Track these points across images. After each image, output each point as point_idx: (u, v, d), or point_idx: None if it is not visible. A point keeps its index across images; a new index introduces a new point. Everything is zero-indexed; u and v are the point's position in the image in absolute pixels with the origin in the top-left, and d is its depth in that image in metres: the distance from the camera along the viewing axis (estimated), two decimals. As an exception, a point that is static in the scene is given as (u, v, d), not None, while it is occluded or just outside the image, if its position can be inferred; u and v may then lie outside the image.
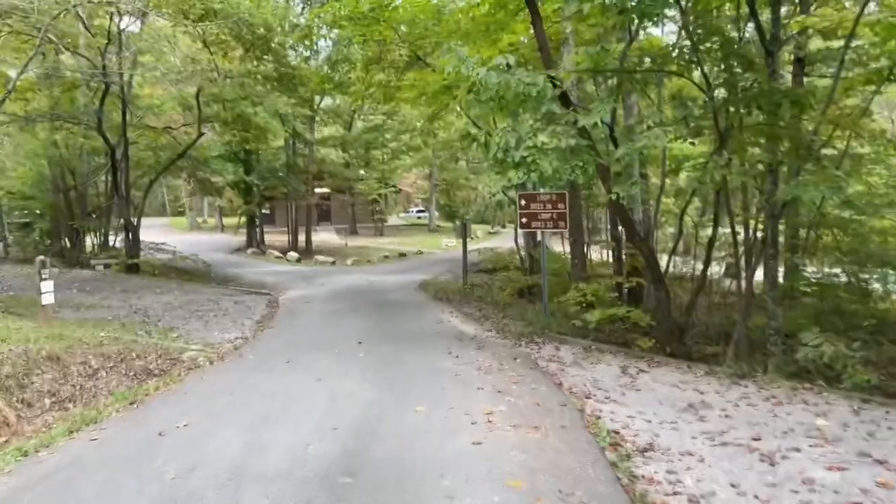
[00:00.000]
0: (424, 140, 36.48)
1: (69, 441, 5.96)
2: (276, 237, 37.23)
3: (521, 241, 20.71)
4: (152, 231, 42.73)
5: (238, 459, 5.15)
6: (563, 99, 8.93)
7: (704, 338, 11.43)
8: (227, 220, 42.86)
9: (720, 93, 8.83)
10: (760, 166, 9.12)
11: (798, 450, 5.21)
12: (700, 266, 20.30)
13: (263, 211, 43.77)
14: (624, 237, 14.58)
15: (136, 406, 7.20)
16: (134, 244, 20.82)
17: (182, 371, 9.22)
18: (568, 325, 11.38)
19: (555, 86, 8.39)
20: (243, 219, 34.92)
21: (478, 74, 7.89)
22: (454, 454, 5.13)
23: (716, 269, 21.38)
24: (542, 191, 12.69)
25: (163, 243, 24.06)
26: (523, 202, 12.56)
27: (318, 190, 38.44)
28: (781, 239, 13.83)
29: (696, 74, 9.36)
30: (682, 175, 16.35)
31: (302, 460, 5.07)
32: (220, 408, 6.79)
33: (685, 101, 7.91)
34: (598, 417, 6.17)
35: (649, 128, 7.72)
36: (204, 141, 28.06)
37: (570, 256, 16.96)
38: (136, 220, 21.72)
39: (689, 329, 11.20)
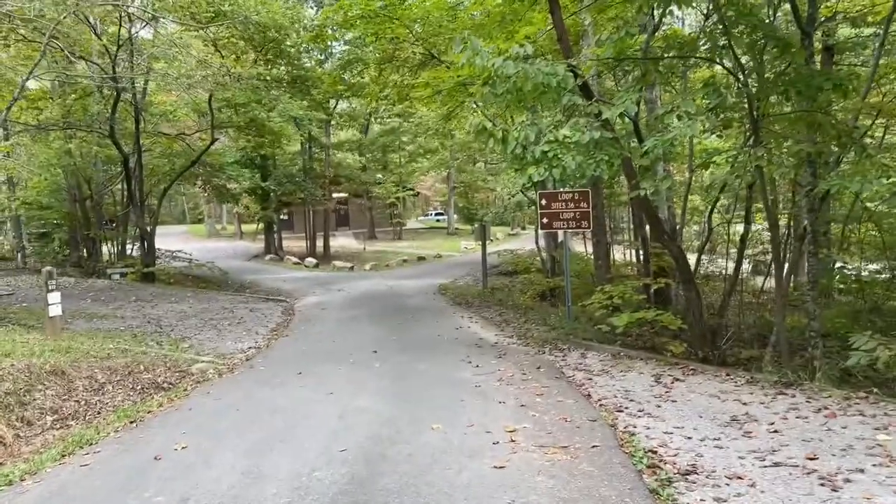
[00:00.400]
0: (441, 142, 36.00)
1: (59, 467, 5.50)
2: (294, 243, 36.94)
3: (541, 242, 20.12)
4: (171, 239, 42.68)
5: (235, 490, 4.65)
6: (585, 90, 8.36)
7: (738, 340, 10.80)
8: (245, 227, 42.67)
9: (752, 81, 8.24)
10: (792, 158, 8.50)
11: (861, 471, 4.59)
12: (728, 264, 19.59)
13: (282, 217, 43.63)
14: (649, 236, 13.99)
15: (135, 425, 6.74)
16: (149, 253, 20.52)
17: (190, 385, 8.78)
18: (593, 329, 10.78)
19: (576, 76, 7.83)
20: (261, 225, 34.67)
21: (493, 65, 7.35)
22: (474, 481, 4.58)
23: (744, 267, 20.67)
24: (563, 189, 12.13)
25: (179, 251, 23.75)
26: (544, 201, 11.99)
27: (335, 195, 38.11)
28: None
29: (725, 64, 8.79)
30: (708, 171, 15.72)
31: (305, 490, 4.55)
32: (223, 427, 6.31)
33: (718, 88, 7.28)
34: (633, 434, 5.59)
35: (679, 118, 7.11)
36: (219, 147, 27.83)
37: (592, 257, 16.35)
38: (151, 228, 21.41)
39: (720, 332, 10.57)
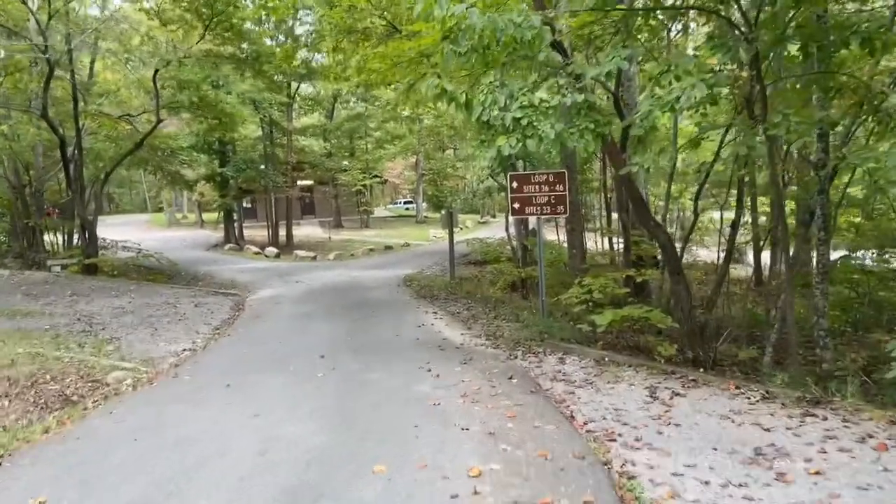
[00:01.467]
0: (409, 127, 34.43)
1: None
2: (257, 232, 35.16)
3: (512, 230, 18.79)
4: (129, 228, 40.63)
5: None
6: (561, 49, 6.97)
7: (728, 338, 9.57)
8: (208, 216, 40.69)
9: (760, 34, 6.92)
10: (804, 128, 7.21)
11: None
12: (704, 253, 18.39)
13: (245, 205, 41.76)
14: (631, 223, 12.74)
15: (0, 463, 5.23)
16: (91, 243, 18.75)
17: (96, 400, 7.28)
18: (571, 328, 9.46)
19: (553, 30, 6.42)
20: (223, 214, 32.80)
21: (456, 14, 5.92)
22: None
23: (712, 256, 19.63)
24: (536, 171, 10.76)
25: (127, 241, 21.96)
26: (515, 184, 10.60)
27: (300, 182, 36.38)
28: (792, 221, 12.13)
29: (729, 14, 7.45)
30: (681, 157, 14.50)
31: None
32: (108, 469, 4.83)
33: (727, 42, 5.93)
34: (633, 477, 4.25)
35: (678, 79, 5.75)
36: (171, 131, 26.00)
37: (567, 246, 15.06)
38: (93, 216, 19.63)
39: (710, 329, 9.36)
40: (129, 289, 16.58)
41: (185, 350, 10.17)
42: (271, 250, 27.43)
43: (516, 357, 8.24)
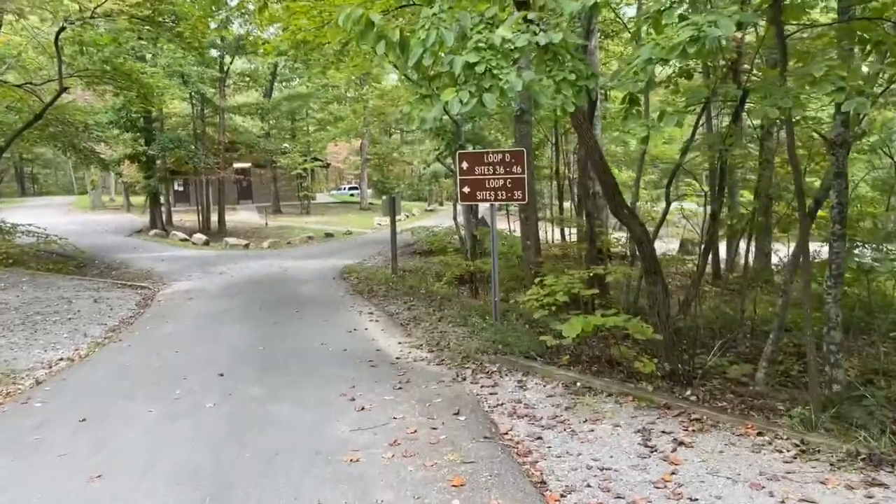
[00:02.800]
0: (354, 108, 32.36)
1: None
2: (189, 217, 32.59)
3: (460, 218, 17.14)
4: (49, 211, 37.36)
5: None
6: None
7: (703, 346, 8.12)
8: (137, 199, 37.74)
9: None
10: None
11: None
12: (660, 246, 17.07)
13: (176, 188, 38.97)
14: (588, 211, 11.22)
15: None
16: (-21, 227, 16.29)
17: None
18: (531, 338, 7.86)
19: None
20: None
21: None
22: None
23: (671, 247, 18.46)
24: (490, 150, 9.08)
25: (30, 225, 19.38)
26: (465, 165, 8.90)
27: (237, 165, 33.90)
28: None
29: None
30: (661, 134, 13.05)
31: None
32: None
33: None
34: None
35: (682, 18, 4.14)
36: (87, 104, 23.38)
37: (520, 237, 13.48)
38: None
39: (687, 335, 7.95)
40: (21, 280, 14.30)
41: (60, 360, 8.24)
42: (199, 237, 25.11)
43: (464, 378, 6.54)
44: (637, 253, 7.89)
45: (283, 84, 36.77)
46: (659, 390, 6.00)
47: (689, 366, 6.92)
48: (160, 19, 15.27)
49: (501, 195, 8.74)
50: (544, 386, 6.15)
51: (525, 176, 8.63)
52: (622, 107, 5.33)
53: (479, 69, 4.15)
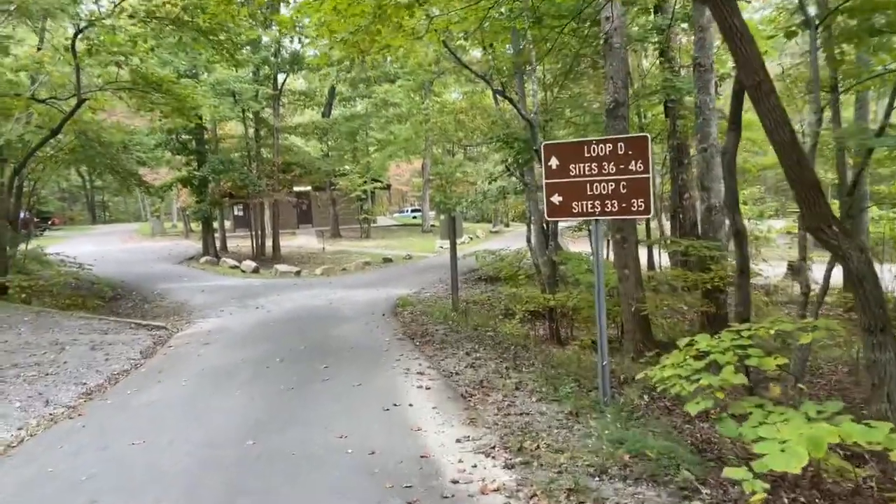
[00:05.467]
0: (415, 120, 29.61)
1: None
2: (246, 242, 30.41)
3: (534, 240, 14.02)
4: (110, 238, 36.09)
5: None
6: None
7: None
8: (198, 226, 36.07)
9: None
10: None
11: None
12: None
13: (236, 213, 37.20)
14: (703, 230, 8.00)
15: None
16: (-4, 257, 14.15)
17: None
18: (676, 437, 4.68)
19: None
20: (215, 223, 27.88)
21: None
22: None
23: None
24: (592, 139, 5.96)
25: (61, 254, 17.27)
26: (554, 162, 5.84)
27: (296, 188, 31.69)
28: None
29: None
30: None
31: None
32: None
33: None
34: None
35: None
36: (130, 125, 21.43)
37: (615, 263, 10.24)
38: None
39: None
40: (24, 319, 11.98)
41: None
42: (248, 264, 22.72)
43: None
44: (857, 296, 4.60)
45: (343, 104, 34.52)
46: None
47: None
48: (187, 18, 12.83)
49: (612, 206, 5.63)
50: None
51: (649, 176, 5.49)
52: None
53: None
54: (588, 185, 5.70)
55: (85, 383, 8.05)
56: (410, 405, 6.11)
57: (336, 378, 7.43)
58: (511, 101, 11.16)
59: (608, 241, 13.09)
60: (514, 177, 12.79)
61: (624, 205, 5.57)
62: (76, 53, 13.29)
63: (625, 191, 5.56)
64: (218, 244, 27.39)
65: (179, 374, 8.17)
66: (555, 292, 11.14)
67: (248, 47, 24.97)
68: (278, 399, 6.63)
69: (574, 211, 5.82)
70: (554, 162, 5.82)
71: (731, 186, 6.16)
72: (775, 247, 20.88)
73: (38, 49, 16.68)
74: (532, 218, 13.82)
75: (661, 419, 5.76)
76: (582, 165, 5.70)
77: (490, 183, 16.21)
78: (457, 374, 7.48)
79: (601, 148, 5.63)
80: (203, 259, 25.04)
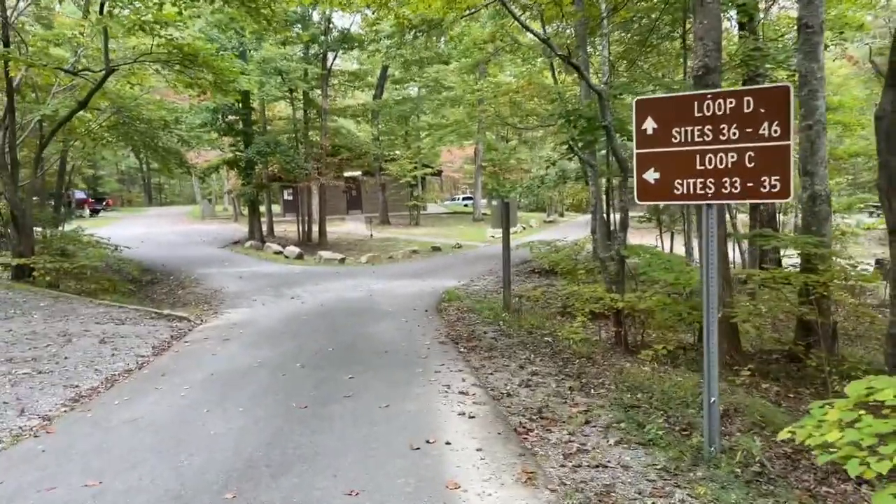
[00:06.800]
0: (469, 112, 28.02)
1: None
2: (294, 227, 29.57)
3: (598, 231, 12.31)
4: (160, 220, 35.73)
5: None
6: None
7: None
8: (246, 210, 35.40)
9: None
10: None
11: None
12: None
13: (286, 197, 36.39)
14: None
15: None
16: (22, 237, 13.25)
17: None
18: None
19: None
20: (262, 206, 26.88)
21: None
22: None
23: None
24: (708, 91, 4.30)
25: (96, 236, 16.37)
26: (650, 126, 4.22)
27: (346, 173, 30.53)
28: None
29: None
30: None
31: None
32: None
33: None
34: None
35: None
36: (173, 103, 20.49)
37: (702, 259, 8.53)
38: (24, 199, 14.23)
39: None
40: (39, 305, 11.01)
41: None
42: (292, 250, 21.63)
43: None
44: None
45: (395, 87, 33.14)
46: None
47: None
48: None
49: (733, 187, 4.00)
50: None
51: (790, 143, 3.83)
52: None
53: None
54: (698, 157, 4.08)
55: (77, 386, 6.85)
56: (448, 443, 4.62)
57: (360, 395, 6.01)
58: (577, 68, 9.49)
59: (676, 233, 11.28)
60: (580, 158, 11.11)
61: (751, 184, 3.93)
62: (104, 16, 12.19)
63: (752, 164, 3.92)
64: (264, 228, 26.45)
65: (183, 379, 6.89)
66: (623, 291, 9.48)
67: (297, 25, 23.85)
68: (285, 423, 5.24)
69: (677, 192, 4.21)
70: (650, 125, 4.21)
71: (890, 164, 4.43)
72: (857, 244, 18.66)
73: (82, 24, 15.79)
74: (595, 206, 12.15)
75: (787, 478, 4.14)
76: (690, 129, 4.08)
77: (548, 167, 14.54)
78: (509, 395, 5.96)
79: (719, 104, 4.00)
80: (248, 243, 24.11)
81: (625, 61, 14.75)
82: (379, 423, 5.17)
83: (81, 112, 17.16)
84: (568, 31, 14.33)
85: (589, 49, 13.43)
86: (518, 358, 7.47)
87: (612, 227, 13.84)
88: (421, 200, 35.77)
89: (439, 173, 41.55)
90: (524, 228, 31.56)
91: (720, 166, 4.03)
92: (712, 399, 4.27)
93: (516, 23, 20.43)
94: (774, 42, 14.12)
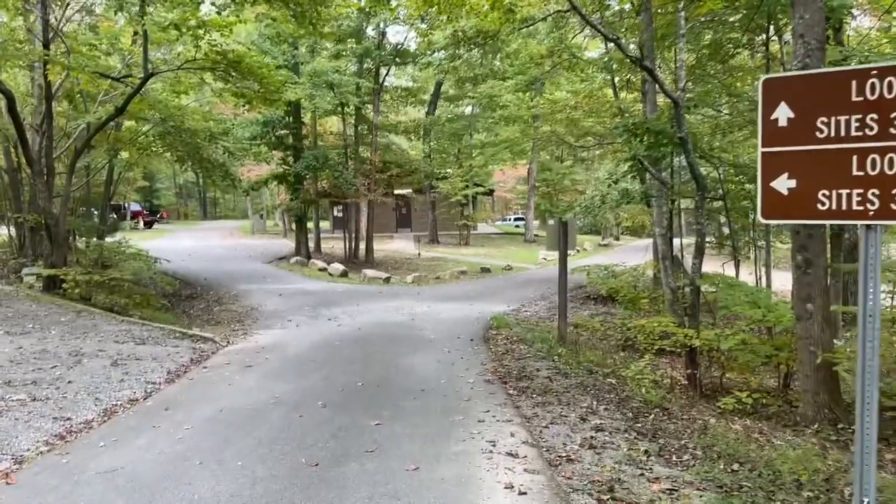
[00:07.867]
0: (524, 130, 26.86)
1: None
2: (342, 244, 28.88)
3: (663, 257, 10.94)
4: (209, 234, 35.56)
5: None
6: None
7: None
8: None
9: None
10: None
11: None
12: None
13: (336, 213, 35.88)
14: None
15: None
16: (55, 248, 12.70)
17: None
18: None
19: None
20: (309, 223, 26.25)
21: None
22: None
23: None
24: (870, 66, 3.06)
25: (138, 249, 15.79)
26: (786, 115, 3.00)
27: (397, 191, 29.73)
28: None
29: None
30: None
31: None
32: None
33: None
34: None
35: None
36: (222, 115, 20.06)
37: (793, 294, 7.13)
38: (60, 210, 13.73)
39: None
40: (60, 320, 10.32)
41: None
42: (336, 267, 20.79)
43: None
44: None
45: (448, 104, 32.31)
46: None
47: None
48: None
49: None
50: None
51: None
52: None
53: None
54: (856, 158, 2.84)
55: (69, 419, 5.95)
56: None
57: (385, 450, 4.88)
58: (650, 71, 8.28)
59: (741, 258, 9.83)
60: (651, 174, 9.83)
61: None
62: (143, 19, 11.58)
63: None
64: (311, 245, 25.76)
65: (187, 416, 5.90)
66: (697, 326, 8.13)
67: (351, 39, 23.27)
68: (287, 489, 4.15)
69: (822, 208, 2.96)
70: (783, 113, 2.99)
71: None
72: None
73: (134, 35, 15.41)
74: (667, 228, 10.82)
75: None
76: (845, 119, 2.85)
77: (609, 185, 13.25)
78: (569, 459, 4.73)
79: (890, 83, 2.76)
80: (293, 259, 23.41)
81: (694, 73, 13.43)
82: (402, 496, 4.02)
83: (129, 122, 16.81)
84: (631, 45, 13.19)
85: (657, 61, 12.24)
86: (578, 406, 6.22)
87: (673, 254, 12.44)
88: (471, 220, 34.66)
89: (491, 193, 40.42)
90: (578, 251, 30.10)
91: (889, 172, 2.78)
92: (866, 501, 2.98)
93: (574, 38, 19.21)
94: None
